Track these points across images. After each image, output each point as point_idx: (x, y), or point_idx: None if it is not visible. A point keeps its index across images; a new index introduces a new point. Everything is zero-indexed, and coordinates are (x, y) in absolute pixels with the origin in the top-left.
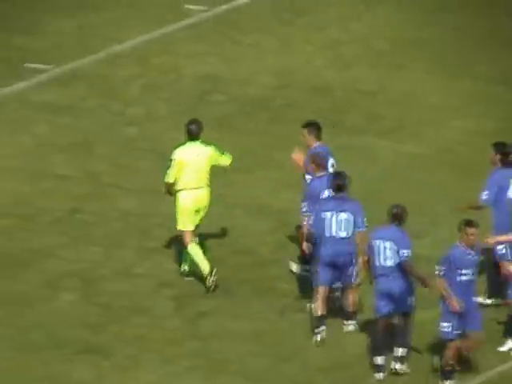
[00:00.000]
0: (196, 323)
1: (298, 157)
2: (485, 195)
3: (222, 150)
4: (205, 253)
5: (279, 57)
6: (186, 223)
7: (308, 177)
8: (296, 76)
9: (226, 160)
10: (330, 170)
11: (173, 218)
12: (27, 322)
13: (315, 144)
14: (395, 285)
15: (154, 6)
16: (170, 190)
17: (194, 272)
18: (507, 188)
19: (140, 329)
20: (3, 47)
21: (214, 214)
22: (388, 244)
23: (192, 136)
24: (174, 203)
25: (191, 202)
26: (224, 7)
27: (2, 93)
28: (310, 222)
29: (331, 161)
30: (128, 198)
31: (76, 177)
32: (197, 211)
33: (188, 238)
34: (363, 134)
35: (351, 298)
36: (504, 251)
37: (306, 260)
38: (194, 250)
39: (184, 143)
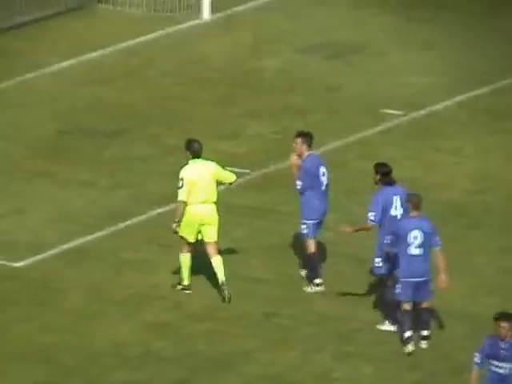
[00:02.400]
0: None
1: (295, 162)
2: (372, 216)
3: (223, 168)
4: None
5: (477, 162)
6: (187, 233)
7: (298, 182)
8: (494, 181)
9: (229, 177)
10: (322, 178)
11: (372, 323)
12: None
13: (307, 153)
14: None
15: (351, 110)
16: (182, 210)
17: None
18: (390, 206)
19: None
20: (206, 151)
21: None
22: None
23: (196, 154)
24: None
25: (196, 216)
26: (421, 112)
27: None
28: None
29: (322, 169)
30: (326, 302)
31: (273, 280)
32: (201, 225)
33: (185, 248)
34: None
35: None
36: (380, 264)
37: None
38: (186, 260)
39: (187, 163)
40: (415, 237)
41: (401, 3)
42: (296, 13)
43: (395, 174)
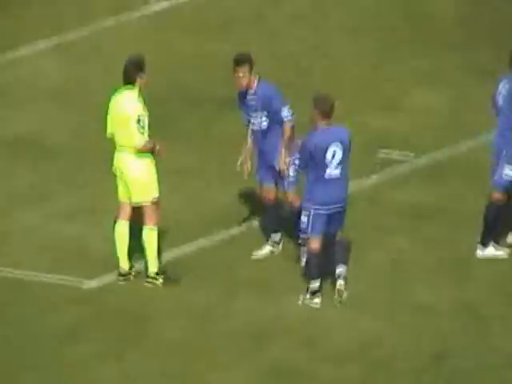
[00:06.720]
0: None
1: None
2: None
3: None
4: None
5: None
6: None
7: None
8: None
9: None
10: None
11: None
12: None
13: (254, 80)
14: None
15: None
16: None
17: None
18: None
19: None
20: (353, 126)
21: None
22: None
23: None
24: None
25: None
26: None
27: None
28: None
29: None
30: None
31: (443, 308)
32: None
33: (118, 211)
34: None
35: None
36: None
37: None
38: (117, 230)
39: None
40: (333, 153)
41: None
42: None
43: None
